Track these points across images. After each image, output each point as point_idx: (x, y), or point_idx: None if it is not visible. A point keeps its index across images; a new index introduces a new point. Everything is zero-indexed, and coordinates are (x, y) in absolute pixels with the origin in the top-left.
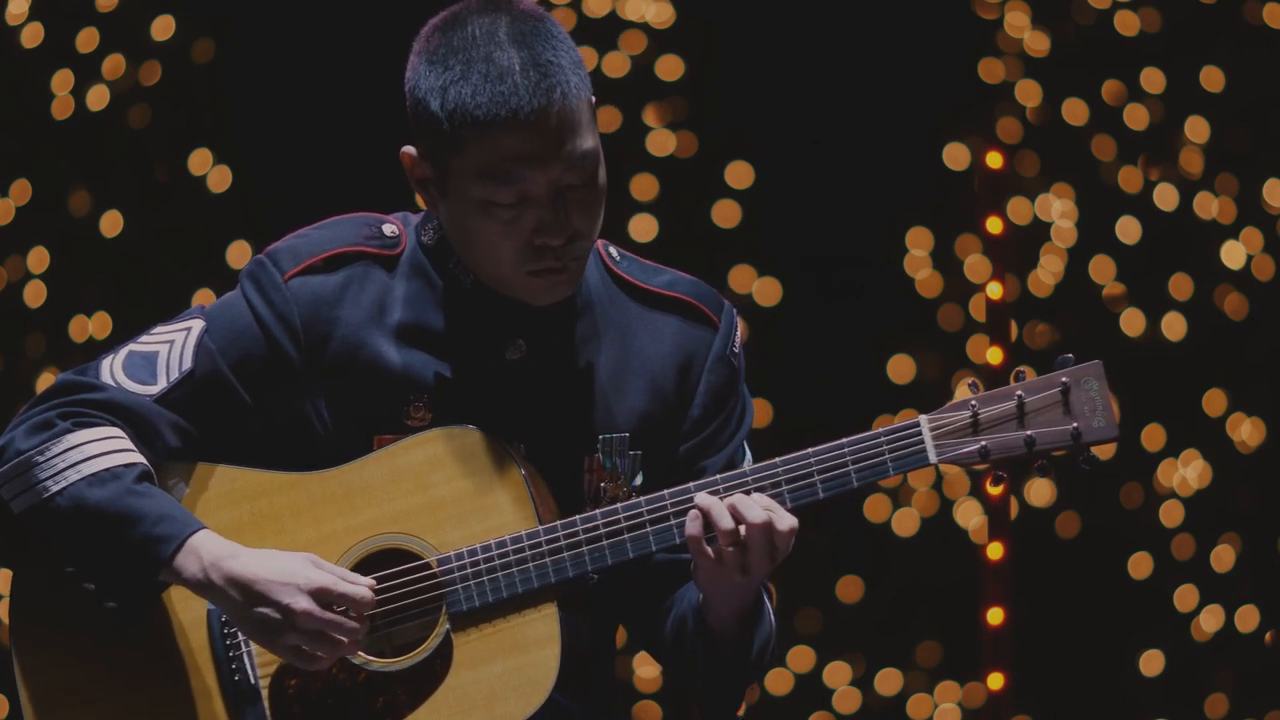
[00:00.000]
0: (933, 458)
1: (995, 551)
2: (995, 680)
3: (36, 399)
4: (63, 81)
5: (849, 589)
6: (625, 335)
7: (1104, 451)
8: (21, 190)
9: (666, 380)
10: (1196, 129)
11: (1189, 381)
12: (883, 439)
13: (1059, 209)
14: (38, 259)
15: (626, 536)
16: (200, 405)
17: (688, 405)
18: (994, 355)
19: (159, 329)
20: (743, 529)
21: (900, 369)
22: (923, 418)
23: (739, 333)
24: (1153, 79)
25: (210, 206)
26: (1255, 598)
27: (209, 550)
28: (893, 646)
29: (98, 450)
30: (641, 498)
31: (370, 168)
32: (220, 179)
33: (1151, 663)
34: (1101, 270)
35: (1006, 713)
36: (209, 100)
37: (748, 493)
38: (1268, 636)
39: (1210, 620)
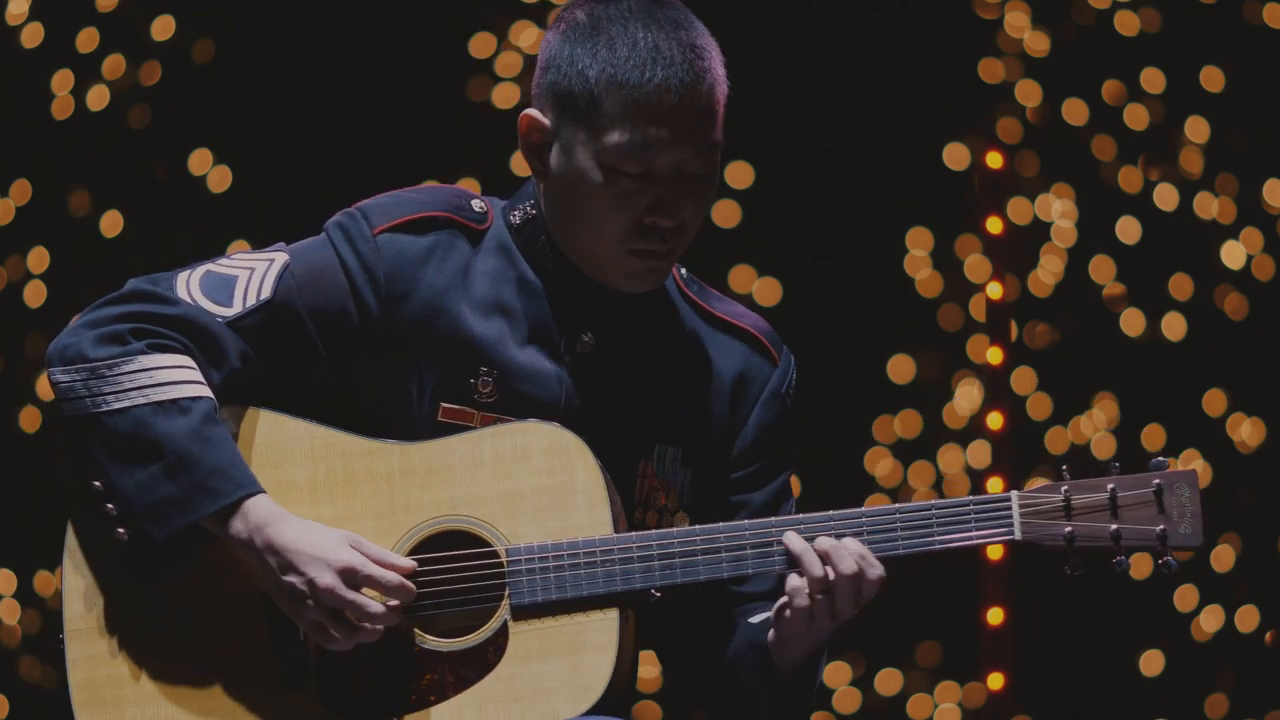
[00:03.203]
0: (1018, 534)
1: (995, 551)
2: (995, 680)
3: (105, 301)
4: (63, 81)
5: None
6: (689, 349)
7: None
8: (21, 190)
9: (722, 401)
10: (1196, 129)
11: (1189, 381)
12: (971, 507)
13: (1059, 209)
14: (38, 259)
15: (700, 559)
16: (270, 337)
17: (738, 433)
18: (994, 355)
19: (239, 255)
20: (831, 574)
21: (900, 369)
22: (1014, 494)
23: (795, 377)
24: (1153, 79)
25: (210, 206)
26: (1255, 598)
27: (256, 513)
28: (893, 646)
29: (168, 379)
30: (720, 525)
31: (370, 167)
32: (220, 179)
33: (1151, 663)
34: (1101, 270)
35: (1006, 713)
36: (209, 100)
37: (837, 536)
38: (1268, 636)
39: (1210, 620)
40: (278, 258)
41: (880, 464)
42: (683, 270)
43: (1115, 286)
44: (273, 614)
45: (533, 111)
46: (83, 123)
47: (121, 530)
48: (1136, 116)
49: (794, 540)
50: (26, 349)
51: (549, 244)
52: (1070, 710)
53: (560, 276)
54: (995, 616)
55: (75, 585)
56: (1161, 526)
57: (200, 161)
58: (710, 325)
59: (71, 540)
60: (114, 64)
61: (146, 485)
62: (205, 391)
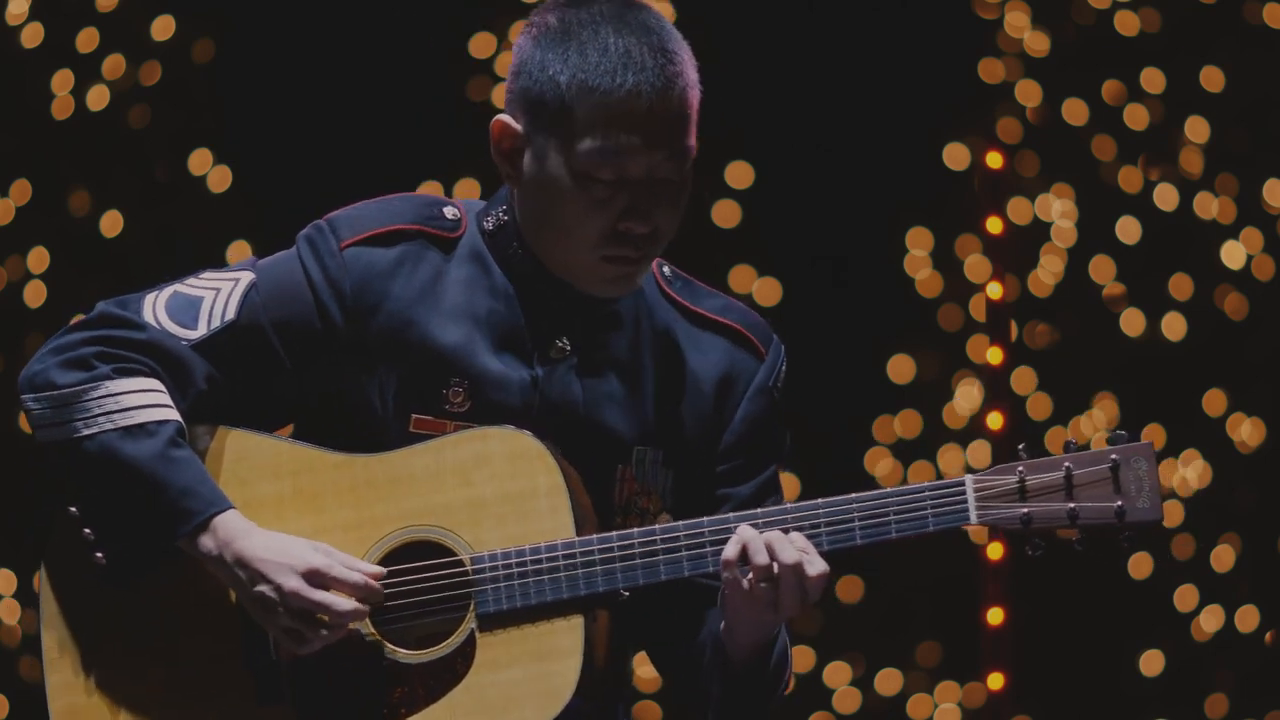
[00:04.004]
0: (973, 518)
1: (995, 551)
2: (995, 680)
3: (74, 326)
4: (63, 81)
5: (849, 589)
6: (670, 350)
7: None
8: (21, 190)
9: (706, 401)
10: (1196, 129)
11: (1189, 381)
12: (926, 494)
13: (1059, 209)
14: (38, 259)
15: (661, 559)
16: (236, 357)
17: (723, 429)
18: (994, 355)
19: (207, 274)
20: (775, 566)
21: (900, 369)
22: (968, 477)
23: (784, 368)
24: (1153, 79)
25: (210, 206)
26: (1255, 598)
27: (225, 529)
28: (893, 646)
29: (135, 403)
30: (680, 523)
31: (371, 167)
32: (220, 179)
33: (1151, 663)
34: (1101, 270)
35: (1006, 713)
36: (209, 100)
37: (787, 531)
38: (1268, 636)
39: (1210, 620)
40: (243, 277)
41: (880, 464)
42: (665, 268)
43: (1115, 286)
44: (247, 630)
45: (504, 117)
46: (83, 123)
47: (99, 555)
48: (1136, 116)
49: (745, 530)
50: (26, 349)
51: (522, 249)
52: (1070, 710)
53: (534, 282)
54: (995, 616)
55: (51, 613)
56: (1119, 503)
57: (200, 161)
58: (693, 324)
59: (43, 569)
60: (114, 64)
61: (119, 509)
62: (172, 414)
